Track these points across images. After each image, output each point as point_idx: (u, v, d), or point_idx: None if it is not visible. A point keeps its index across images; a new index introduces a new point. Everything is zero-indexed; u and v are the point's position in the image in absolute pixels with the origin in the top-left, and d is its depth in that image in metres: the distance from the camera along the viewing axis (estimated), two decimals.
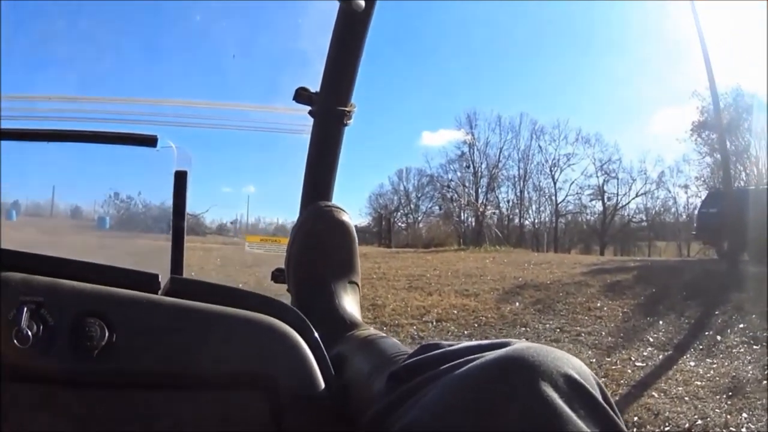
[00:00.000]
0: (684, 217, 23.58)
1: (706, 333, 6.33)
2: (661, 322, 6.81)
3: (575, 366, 0.54)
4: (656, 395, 4.76)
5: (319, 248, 1.09)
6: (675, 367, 5.45)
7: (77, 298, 0.72)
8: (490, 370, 0.54)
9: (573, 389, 0.51)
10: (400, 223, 26.00)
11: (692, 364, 5.51)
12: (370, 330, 0.99)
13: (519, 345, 0.56)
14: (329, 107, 1.25)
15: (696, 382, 5.02)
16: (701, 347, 5.94)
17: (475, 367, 0.55)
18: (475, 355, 0.58)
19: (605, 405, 0.53)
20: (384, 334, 0.96)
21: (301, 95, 1.27)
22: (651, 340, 6.27)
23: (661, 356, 5.81)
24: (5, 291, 0.70)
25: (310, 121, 1.28)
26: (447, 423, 0.53)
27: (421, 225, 25.60)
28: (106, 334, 0.70)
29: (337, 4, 1.19)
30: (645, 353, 5.87)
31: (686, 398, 4.67)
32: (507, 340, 0.60)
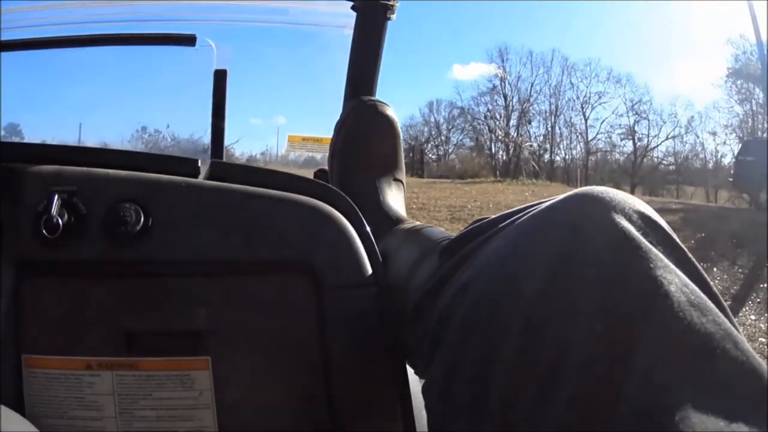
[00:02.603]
0: (711, 164, 23.32)
1: (762, 285, 6.06)
2: (715, 270, 6.55)
3: (647, 207, 0.48)
4: None
5: (363, 143, 1.05)
6: (736, 320, 5.16)
7: (112, 184, 0.69)
8: (557, 209, 0.48)
9: (648, 225, 0.46)
10: (430, 155, 25.69)
11: (753, 318, 5.29)
12: (416, 222, 0.92)
13: (584, 187, 0.50)
14: (372, 1, 1.21)
15: (761, 339, 4.76)
16: (758, 300, 5.70)
17: (540, 211, 0.50)
18: (538, 205, 0.52)
19: (683, 247, 0.46)
20: (431, 225, 0.88)
21: None
22: None
23: None
24: (36, 183, 0.68)
25: (351, 17, 1.25)
26: (511, 270, 0.47)
27: (452, 157, 25.34)
28: (142, 219, 0.67)
29: None
30: None
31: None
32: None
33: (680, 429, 0.33)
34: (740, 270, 6.65)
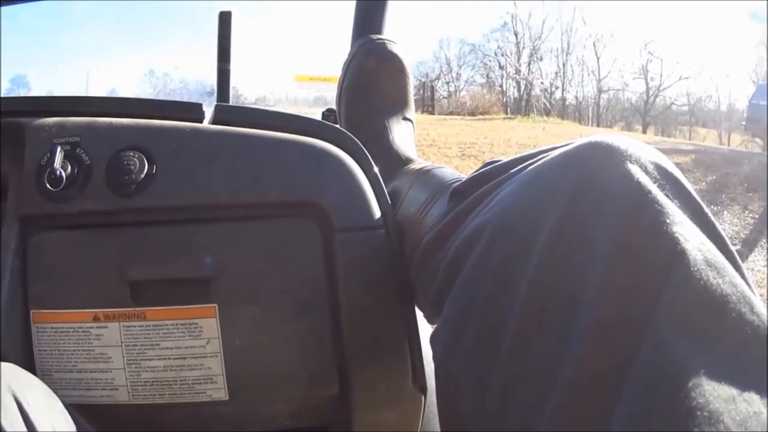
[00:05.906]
0: (725, 107, 23.13)
1: None
2: (726, 213, 6.52)
3: (663, 158, 0.46)
4: None
5: (371, 82, 1.00)
6: (745, 265, 5.09)
7: (115, 133, 0.69)
8: (569, 157, 0.46)
9: (665, 178, 0.43)
10: (441, 92, 25.38)
11: (762, 263, 5.27)
12: (426, 163, 0.88)
13: (599, 135, 0.47)
14: None
15: None
16: None
17: (552, 158, 0.48)
18: (550, 151, 0.50)
19: (700, 202, 0.44)
20: (442, 165, 0.84)
21: None
22: None
23: None
24: (39, 135, 0.68)
25: None
26: (522, 218, 0.46)
27: (463, 93, 25.07)
28: (146, 167, 0.67)
29: None
30: None
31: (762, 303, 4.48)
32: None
33: (693, 396, 0.32)
34: (751, 215, 6.59)
